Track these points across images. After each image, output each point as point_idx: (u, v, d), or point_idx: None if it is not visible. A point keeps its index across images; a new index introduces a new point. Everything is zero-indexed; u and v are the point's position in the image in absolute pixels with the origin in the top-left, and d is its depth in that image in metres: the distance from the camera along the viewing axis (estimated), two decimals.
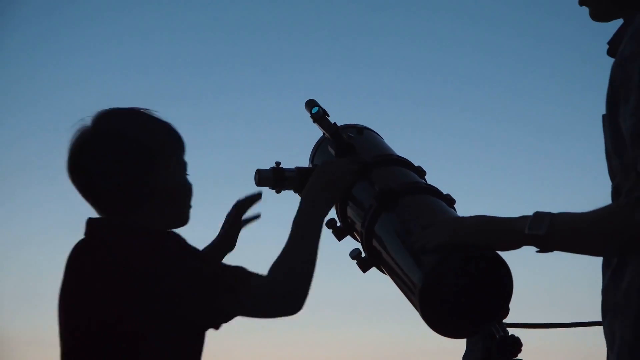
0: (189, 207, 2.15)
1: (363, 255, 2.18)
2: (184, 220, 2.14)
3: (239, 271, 2.00)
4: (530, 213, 1.86)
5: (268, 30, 6.94)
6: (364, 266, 2.18)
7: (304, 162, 2.57)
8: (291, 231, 2.09)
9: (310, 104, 2.42)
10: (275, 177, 2.35)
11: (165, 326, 1.93)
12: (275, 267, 2.02)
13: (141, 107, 2.14)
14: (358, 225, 2.22)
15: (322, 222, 2.15)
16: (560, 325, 2.14)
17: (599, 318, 1.94)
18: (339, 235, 2.33)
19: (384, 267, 2.14)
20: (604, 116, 1.87)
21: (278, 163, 2.38)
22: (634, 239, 1.74)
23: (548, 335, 2.15)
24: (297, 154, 2.61)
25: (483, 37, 6.95)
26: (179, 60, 6.95)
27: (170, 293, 1.92)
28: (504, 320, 1.97)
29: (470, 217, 1.95)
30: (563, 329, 2.16)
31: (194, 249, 2.05)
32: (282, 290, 2.00)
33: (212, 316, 1.99)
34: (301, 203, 2.16)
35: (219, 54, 6.95)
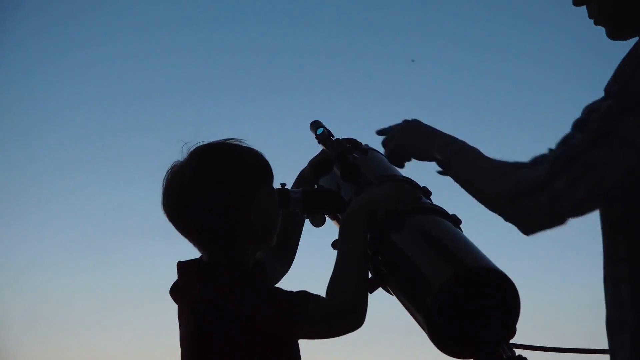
0: (277, 231, 2.26)
1: (369, 276, 2.18)
2: (271, 244, 2.26)
3: (301, 295, 2.06)
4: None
5: (271, 52, 6.97)
6: (371, 286, 2.18)
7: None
8: (339, 255, 2.12)
9: (315, 125, 2.44)
10: (280, 199, 2.36)
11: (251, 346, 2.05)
12: (332, 287, 2.06)
13: (231, 138, 2.20)
14: (366, 241, 2.21)
15: (365, 242, 2.15)
16: (568, 350, 2.13)
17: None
18: None
19: (391, 288, 2.13)
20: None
21: (283, 184, 2.39)
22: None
23: (555, 357, 2.14)
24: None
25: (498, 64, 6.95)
26: (184, 66, 6.98)
27: (249, 324, 2.01)
28: (511, 341, 1.96)
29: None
30: (571, 353, 2.14)
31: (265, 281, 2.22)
32: (342, 309, 2.05)
33: (282, 339, 2.08)
34: (343, 229, 2.16)
35: (221, 74, 6.99)
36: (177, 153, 2.20)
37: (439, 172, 2.08)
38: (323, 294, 2.07)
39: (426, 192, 2.32)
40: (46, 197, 6.64)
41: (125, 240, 6.43)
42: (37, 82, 6.80)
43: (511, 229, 1.92)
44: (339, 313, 2.04)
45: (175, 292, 2.17)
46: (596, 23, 1.99)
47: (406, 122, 2.22)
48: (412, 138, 2.16)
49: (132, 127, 6.76)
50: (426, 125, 2.16)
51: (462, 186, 2.02)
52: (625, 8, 1.90)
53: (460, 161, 2.00)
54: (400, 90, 6.95)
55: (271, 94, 6.92)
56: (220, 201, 2.11)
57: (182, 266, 2.18)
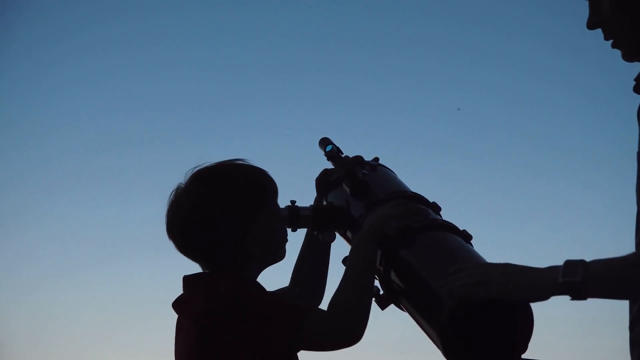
0: (285, 242, 2.28)
1: (381, 292, 2.19)
2: (281, 257, 2.28)
3: (299, 308, 2.09)
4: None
5: (278, 66, 6.99)
6: (383, 304, 2.19)
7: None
8: (346, 273, 2.14)
9: (324, 142, 2.45)
10: (290, 216, 2.37)
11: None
12: (334, 305, 2.08)
13: (235, 158, 2.24)
14: (375, 262, 2.22)
15: (374, 263, 2.17)
16: None
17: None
18: None
19: (404, 305, 2.14)
20: (638, 152, 1.88)
21: (293, 202, 2.40)
22: None
23: None
24: (311, 191, 2.63)
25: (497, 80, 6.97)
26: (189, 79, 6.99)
27: (248, 335, 2.02)
28: (523, 356, 1.97)
29: (499, 266, 1.91)
30: None
31: (270, 296, 2.21)
32: (339, 324, 2.06)
33: (285, 350, 2.07)
34: (353, 249, 2.19)
35: (228, 91, 7.00)
36: (182, 167, 2.25)
37: (574, 299, 1.83)
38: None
39: (436, 208, 2.33)
40: (46, 211, 6.64)
41: (129, 254, 6.43)
42: (37, 94, 6.81)
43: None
44: (336, 331, 2.07)
45: (179, 304, 2.20)
46: (614, 45, 1.98)
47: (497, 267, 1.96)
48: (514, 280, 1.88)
49: (135, 141, 6.77)
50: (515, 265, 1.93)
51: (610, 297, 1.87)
52: None
53: (596, 277, 1.80)
54: (406, 105, 6.98)
55: (283, 110, 6.95)
56: (221, 225, 2.14)
57: (187, 280, 2.21)
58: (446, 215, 2.32)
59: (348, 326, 2.06)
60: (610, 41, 1.98)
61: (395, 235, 2.14)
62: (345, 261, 2.28)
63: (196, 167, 2.24)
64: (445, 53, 6.96)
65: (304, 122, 6.84)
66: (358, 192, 2.38)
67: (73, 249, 6.55)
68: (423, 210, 2.26)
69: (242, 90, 6.94)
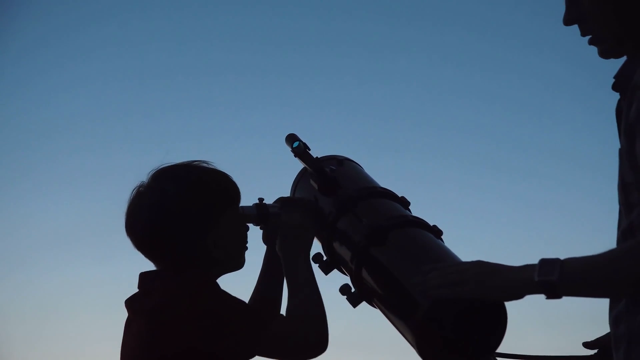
0: (245, 250, 2.25)
1: (353, 290, 2.18)
2: (240, 265, 2.25)
3: (262, 314, 2.10)
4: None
5: (250, 69, 6.95)
6: (354, 301, 2.17)
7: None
8: (290, 287, 2.17)
9: (291, 139, 2.42)
10: (259, 214, 2.34)
11: None
12: (292, 313, 2.11)
13: (197, 160, 2.21)
14: (347, 261, 2.21)
15: (310, 269, 2.22)
16: (551, 357, 2.13)
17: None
18: (326, 269, 2.32)
19: (376, 303, 2.13)
20: (620, 150, 1.86)
21: (261, 199, 2.37)
22: None
23: None
24: (278, 188, 2.61)
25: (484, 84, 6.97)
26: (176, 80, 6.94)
27: (207, 334, 2.00)
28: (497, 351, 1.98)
29: (473, 265, 1.90)
30: None
31: (229, 297, 2.15)
32: (305, 333, 2.09)
33: (241, 353, 2.06)
34: (285, 265, 2.23)
35: (194, 92, 6.94)
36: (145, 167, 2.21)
37: (549, 298, 1.80)
38: None
39: (405, 203, 2.32)
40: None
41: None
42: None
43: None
44: (303, 333, 2.09)
45: (132, 302, 2.16)
46: (591, 42, 1.94)
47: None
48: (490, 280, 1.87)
49: (109, 143, 6.72)
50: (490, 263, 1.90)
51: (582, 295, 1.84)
52: (625, 19, 1.84)
53: (572, 275, 1.77)
54: (388, 108, 6.98)
55: (247, 109, 6.91)
56: (183, 224, 2.11)
57: (144, 276, 2.17)
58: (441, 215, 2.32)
59: (314, 335, 2.10)
60: (587, 37, 1.95)
61: (366, 234, 2.13)
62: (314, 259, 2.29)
63: (159, 166, 2.20)
64: (440, 56, 6.97)
65: (272, 119, 6.83)
66: (326, 188, 2.36)
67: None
68: (392, 206, 2.26)
69: (210, 92, 6.92)
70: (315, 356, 2.11)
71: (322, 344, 2.11)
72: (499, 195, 6.84)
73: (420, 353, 1.93)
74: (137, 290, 2.18)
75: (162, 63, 6.89)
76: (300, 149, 2.38)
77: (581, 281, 1.77)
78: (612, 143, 1.93)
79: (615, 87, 1.94)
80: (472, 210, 6.73)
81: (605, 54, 1.94)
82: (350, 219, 2.25)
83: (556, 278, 1.75)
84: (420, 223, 2.18)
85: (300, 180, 2.53)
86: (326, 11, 6.96)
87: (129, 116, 6.79)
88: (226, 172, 2.24)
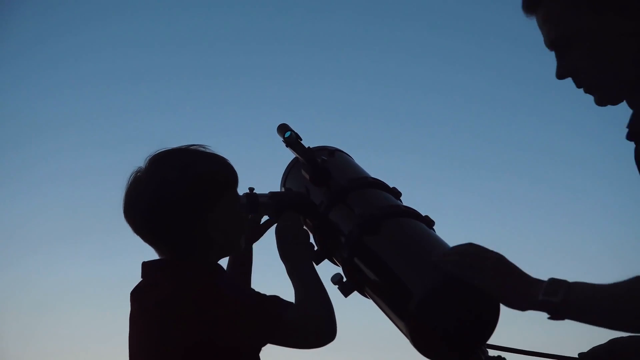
0: (243, 235, 2.25)
1: (344, 280, 2.18)
2: (238, 249, 2.24)
3: (277, 300, 2.09)
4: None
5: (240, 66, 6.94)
6: (346, 291, 2.17)
7: (277, 187, 2.57)
8: (296, 282, 2.18)
9: (283, 129, 2.41)
10: (249, 203, 2.33)
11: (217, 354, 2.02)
12: (303, 302, 2.12)
13: (195, 144, 2.20)
14: (339, 250, 2.21)
15: (311, 266, 2.24)
16: (540, 354, 2.14)
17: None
18: (317, 259, 2.32)
19: (368, 292, 2.13)
20: None
21: (251, 189, 2.36)
22: None
23: None
24: (269, 177, 2.60)
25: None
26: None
27: (220, 324, 2.00)
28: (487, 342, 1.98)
29: (495, 256, 1.87)
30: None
31: (234, 284, 2.19)
32: (318, 321, 2.10)
33: (256, 341, 2.07)
34: (286, 262, 2.25)
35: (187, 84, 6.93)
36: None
37: (551, 317, 1.79)
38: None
39: (397, 194, 2.32)
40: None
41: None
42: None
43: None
44: (316, 321, 2.09)
45: (138, 293, 2.15)
46: (586, 91, 1.94)
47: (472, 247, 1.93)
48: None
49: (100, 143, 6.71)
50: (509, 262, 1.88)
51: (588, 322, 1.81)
52: (613, 72, 1.87)
53: (577, 301, 1.75)
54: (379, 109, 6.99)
55: (245, 108, 6.91)
56: (179, 211, 2.10)
57: (149, 266, 2.16)
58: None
59: (328, 317, 2.11)
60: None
61: (359, 223, 2.13)
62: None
63: (156, 151, 2.19)
64: (437, 56, 6.97)
65: (259, 107, 6.83)
66: (318, 178, 2.36)
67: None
68: (384, 196, 2.26)
69: (207, 90, 6.93)
70: (326, 343, 2.12)
71: (333, 331, 2.12)
72: (493, 193, 6.87)
73: (413, 341, 1.93)
74: (141, 280, 2.16)
75: (161, 63, 6.93)
76: (292, 139, 2.38)
77: (586, 308, 1.75)
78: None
79: (630, 137, 1.94)
80: (469, 209, 6.75)
81: (603, 102, 1.94)
82: (342, 209, 2.25)
83: (559, 300, 1.74)
84: (412, 213, 2.18)
85: (291, 171, 2.52)
86: (318, 12, 6.98)
87: (128, 115, 6.79)
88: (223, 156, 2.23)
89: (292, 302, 2.12)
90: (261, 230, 2.44)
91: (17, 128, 6.61)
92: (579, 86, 1.95)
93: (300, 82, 6.99)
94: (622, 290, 1.73)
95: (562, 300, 1.74)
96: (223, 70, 6.92)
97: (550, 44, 1.95)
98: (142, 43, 6.84)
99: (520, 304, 1.82)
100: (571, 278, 1.79)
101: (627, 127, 1.95)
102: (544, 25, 1.95)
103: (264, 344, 2.08)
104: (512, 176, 6.86)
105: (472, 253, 1.89)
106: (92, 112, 6.76)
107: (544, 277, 1.82)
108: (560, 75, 1.95)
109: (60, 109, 6.75)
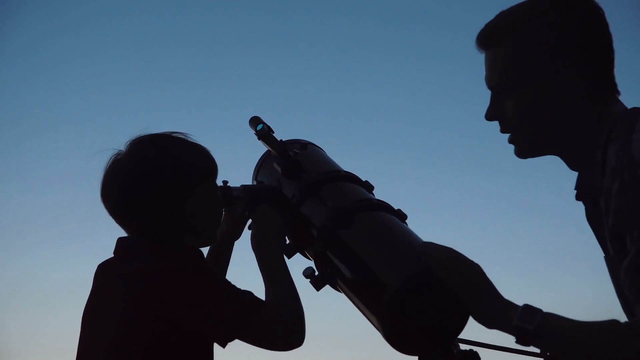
0: (218, 226, 2.24)
1: (316, 273, 2.17)
2: (214, 239, 2.23)
3: (251, 296, 2.08)
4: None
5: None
6: (318, 284, 2.17)
7: (248, 180, 2.56)
8: (267, 279, 2.17)
9: (255, 121, 2.39)
10: (223, 196, 2.32)
11: (180, 339, 2.00)
12: (275, 301, 2.10)
13: (176, 131, 2.20)
14: (311, 244, 2.20)
15: (283, 262, 2.23)
16: (509, 350, 2.14)
17: None
18: (289, 253, 2.31)
19: (340, 286, 2.13)
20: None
21: (225, 182, 2.35)
22: None
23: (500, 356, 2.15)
24: (238, 170, 2.59)
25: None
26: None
27: (191, 310, 1.99)
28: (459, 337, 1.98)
29: (474, 268, 1.87)
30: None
31: (212, 270, 2.19)
32: (288, 326, 2.10)
33: (225, 333, 2.05)
34: (259, 257, 2.23)
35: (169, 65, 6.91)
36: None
37: (519, 342, 1.79)
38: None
39: (369, 187, 2.32)
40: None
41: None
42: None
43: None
44: (290, 321, 2.10)
45: (106, 267, 2.12)
46: (510, 141, 1.96)
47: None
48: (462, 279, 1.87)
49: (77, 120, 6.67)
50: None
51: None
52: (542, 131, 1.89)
53: (550, 332, 1.76)
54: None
55: (210, 86, 6.90)
56: (156, 193, 2.09)
57: (125, 242, 2.14)
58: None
59: (297, 324, 2.11)
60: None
61: (332, 216, 2.12)
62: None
63: (138, 134, 2.19)
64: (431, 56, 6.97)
65: (234, 98, 6.83)
66: (290, 171, 2.35)
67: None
68: (356, 190, 2.26)
69: (204, 90, 6.91)
70: (292, 348, 2.11)
71: (302, 334, 2.11)
72: (478, 192, 6.89)
73: (384, 334, 1.93)
74: (114, 255, 2.14)
75: (161, 63, 6.92)
76: (264, 132, 2.37)
77: (557, 341, 1.76)
78: None
79: (578, 197, 1.96)
80: (454, 207, 6.77)
81: (523, 154, 1.96)
82: (314, 202, 2.24)
83: (532, 328, 1.74)
84: (385, 206, 2.18)
85: (263, 164, 2.51)
86: (316, 13, 6.98)
87: (129, 115, 6.75)
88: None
89: (264, 301, 2.10)
90: (240, 225, 2.44)
91: (24, 123, 6.58)
92: (502, 132, 1.97)
93: (284, 82, 7.00)
94: (595, 330, 1.74)
95: (536, 328, 1.74)
96: (223, 70, 6.94)
97: (490, 87, 1.97)
98: (143, 43, 6.86)
99: (489, 323, 1.83)
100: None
101: (575, 188, 1.97)
102: (489, 67, 1.95)
103: (232, 339, 2.06)
104: (499, 176, 6.90)
105: (452, 256, 1.89)
106: (92, 112, 6.74)
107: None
108: (489, 117, 1.97)
109: (61, 108, 6.74)
